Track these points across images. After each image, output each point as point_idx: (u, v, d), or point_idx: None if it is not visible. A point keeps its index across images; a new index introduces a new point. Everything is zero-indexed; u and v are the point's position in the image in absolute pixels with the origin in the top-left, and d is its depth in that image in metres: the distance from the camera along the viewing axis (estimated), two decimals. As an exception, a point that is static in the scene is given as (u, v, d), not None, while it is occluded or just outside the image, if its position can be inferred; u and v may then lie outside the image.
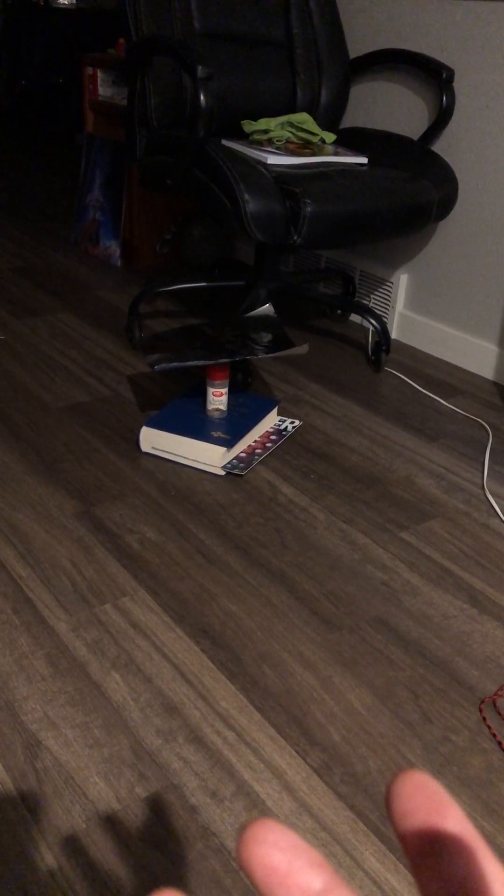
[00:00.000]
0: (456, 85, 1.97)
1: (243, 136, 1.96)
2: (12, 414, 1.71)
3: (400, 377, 2.04)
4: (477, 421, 1.83)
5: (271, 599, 1.22)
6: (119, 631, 1.13)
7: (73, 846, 0.84)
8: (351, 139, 2.08)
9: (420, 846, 0.18)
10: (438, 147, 2.05)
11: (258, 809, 0.89)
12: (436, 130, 2.01)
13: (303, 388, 1.93)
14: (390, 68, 2.13)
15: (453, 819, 0.19)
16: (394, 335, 2.30)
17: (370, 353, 2.14)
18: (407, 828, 0.19)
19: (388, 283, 2.27)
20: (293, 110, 2.07)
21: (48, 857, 0.83)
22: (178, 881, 0.82)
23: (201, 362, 1.53)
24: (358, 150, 1.98)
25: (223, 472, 1.53)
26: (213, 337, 1.65)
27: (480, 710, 1.05)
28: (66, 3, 4.52)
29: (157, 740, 0.97)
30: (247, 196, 1.60)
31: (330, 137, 1.97)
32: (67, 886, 0.80)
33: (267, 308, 1.78)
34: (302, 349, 1.55)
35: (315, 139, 1.94)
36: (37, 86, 4.81)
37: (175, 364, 1.52)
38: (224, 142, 1.87)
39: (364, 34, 2.17)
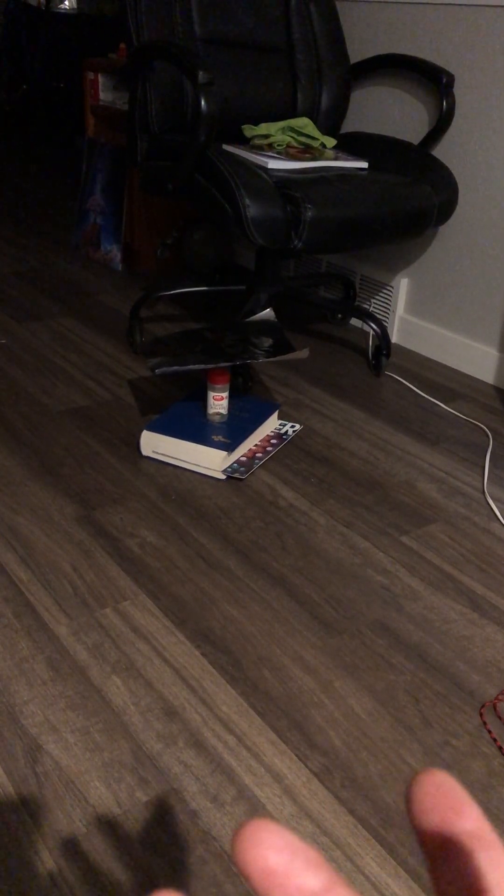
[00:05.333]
0: (456, 90, 1.98)
1: (244, 141, 1.96)
2: (13, 418, 1.71)
3: (400, 381, 2.04)
4: (477, 425, 1.84)
5: (272, 604, 1.22)
6: (120, 635, 1.13)
7: (73, 850, 0.84)
8: (351, 144, 2.08)
9: (437, 845, 0.18)
10: (439, 152, 2.05)
11: (259, 814, 0.89)
12: (436, 135, 2.01)
13: (303, 392, 1.93)
14: (391, 73, 2.14)
15: (471, 818, 0.19)
16: (394, 339, 2.30)
17: (370, 357, 2.15)
18: (425, 826, 0.19)
19: (388, 288, 2.28)
20: (294, 115, 2.07)
21: (49, 861, 0.83)
22: (178, 886, 0.82)
23: (202, 366, 1.53)
24: (358, 155, 1.99)
25: (224, 476, 1.53)
26: (214, 341, 1.65)
27: (481, 715, 1.05)
28: (67, 7, 4.53)
29: (157, 744, 0.97)
30: (248, 201, 1.60)
31: (330, 142, 1.97)
32: (68, 890, 0.80)
33: (267, 312, 1.78)
34: (302, 353, 1.55)
35: (315, 144, 1.94)
36: (38, 90, 4.82)
37: (176, 368, 1.53)
38: (225, 146, 1.87)
39: (364, 39, 2.18)
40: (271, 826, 0.18)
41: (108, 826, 0.87)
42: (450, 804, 0.19)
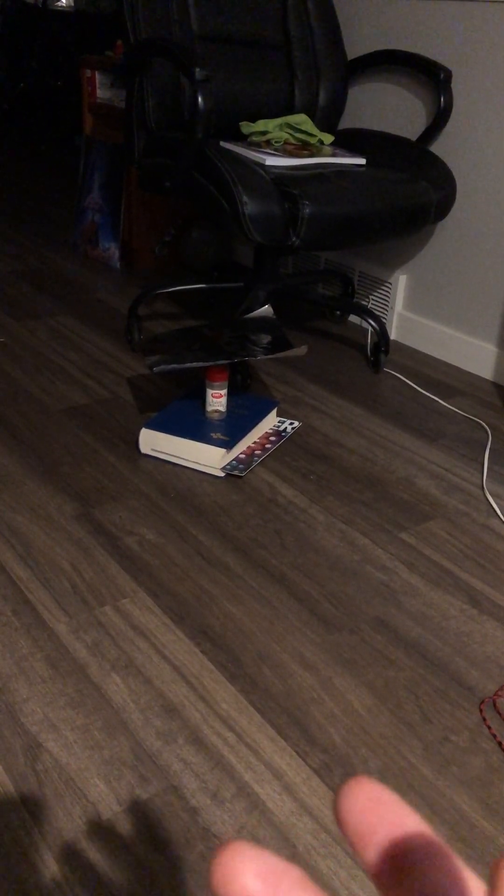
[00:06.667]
0: (454, 85, 1.98)
1: (242, 138, 1.96)
2: (12, 416, 1.71)
3: (399, 378, 2.04)
4: (476, 421, 1.83)
5: (271, 601, 1.22)
6: (119, 633, 1.13)
7: (73, 848, 0.84)
8: (349, 140, 2.08)
9: (384, 863, 0.17)
10: (436, 148, 2.05)
11: (258, 810, 0.89)
12: (434, 131, 2.01)
13: (302, 389, 1.93)
14: (388, 69, 2.13)
15: (413, 830, 0.18)
16: (393, 336, 2.30)
17: (369, 353, 2.15)
18: (367, 847, 0.17)
19: (386, 284, 2.28)
20: (291, 111, 2.07)
21: (49, 859, 0.83)
22: (178, 883, 0.82)
23: (200, 364, 1.53)
24: (356, 151, 1.98)
25: (223, 474, 1.53)
26: (212, 338, 1.65)
27: (480, 711, 1.05)
28: (64, 5, 4.52)
29: (157, 742, 0.97)
30: (245, 198, 1.60)
31: (328, 138, 1.97)
32: (68, 888, 0.80)
33: (266, 309, 1.78)
34: (301, 350, 1.55)
35: (313, 140, 1.94)
36: (36, 88, 4.81)
37: (174, 366, 1.52)
38: (222, 143, 1.87)
39: (362, 35, 2.17)
40: (249, 849, 0.17)
41: (108, 823, 0.87)
42: (390, 818, 0.17)
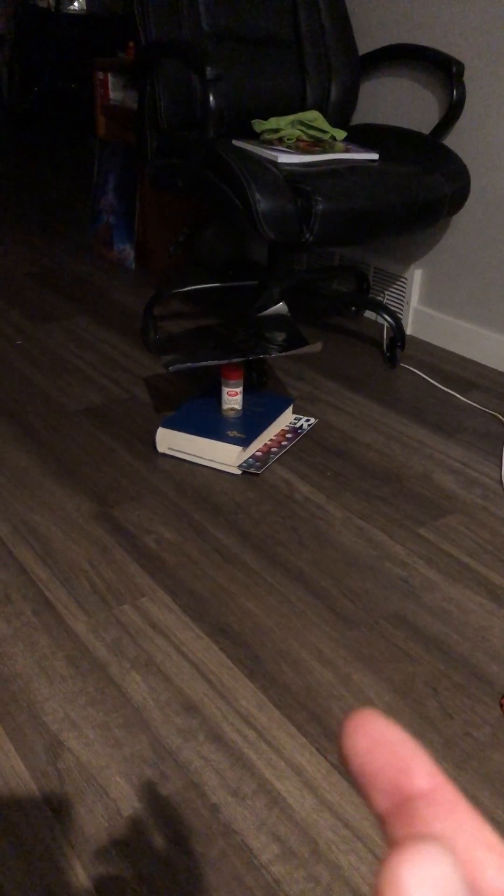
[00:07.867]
0: (466, 78, 1.96)
1: (254, 136, 1.96)
2: (30, 417, 1.72)
3: (416, 373, 2.03)
4: (494, 415, 1.82)
5: (289, 597, 1.22)
6: (138, 631, 1.14)
7: (95, 845, 0.85)
8: (362, 135, 2.07)
9: (390, 808, 0.16)
10: (450, 141, 2.04)
11: (279, 807, 0.89)
12: (447, 124, 2.00)
13: (318, 385, 1.93)
14: (400, 63, 2.12)
15: (424, 775, 0.17)
16: (409, 331, 2.29)
17: (385, 349, 2.14)
18: (372, 792, 0.17)
19: (402, 279, 2.27)
20: (303, 108, 2.07)
21: (71, 856, 0.84)
22: (199, 879, 0.82)
23: (215, 362, 1.53)
24: (369, 147, 1.97)
25: (239, 472, 1.54)
26: (227, 337, 1.66)
27: (501, 706, 1.04)
28: (76, 9, 4.54)
29: (177, 739, 0.97)
30: (258, 195, 1.60)
31: (340, 134, 1.97)
32: (90, 884, 0.81)
33: (280, 307, 1.78)
34: (316, 347, 1.55)
35: (326, 136, 1.93)
36: (50, 92, 4.84)
37: (189, 364, 1.53)
38: (234, 142, 1.87)
39: (373, 29, 2.17)
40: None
41: (130, 821, 0.88)
42: (397, 763, 0.17)
